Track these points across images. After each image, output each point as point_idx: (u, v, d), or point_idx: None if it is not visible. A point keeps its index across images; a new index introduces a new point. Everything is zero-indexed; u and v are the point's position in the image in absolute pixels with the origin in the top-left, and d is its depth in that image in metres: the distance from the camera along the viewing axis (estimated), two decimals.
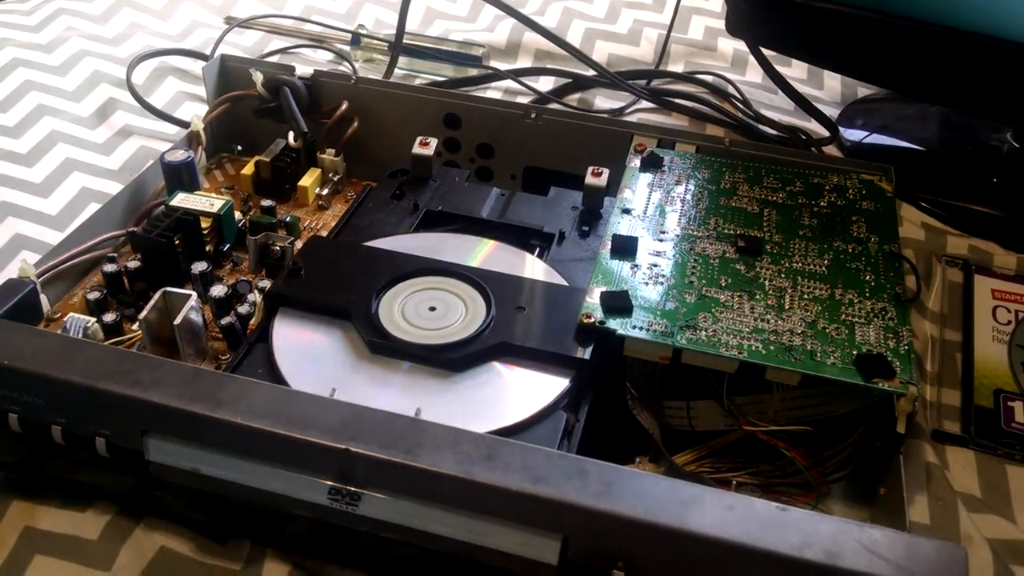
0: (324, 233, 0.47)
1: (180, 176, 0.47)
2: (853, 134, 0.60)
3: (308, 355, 0.36)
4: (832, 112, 0.62)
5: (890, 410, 0.34)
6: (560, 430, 0.33)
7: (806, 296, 0.38)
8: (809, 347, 0.35)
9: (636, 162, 0.46)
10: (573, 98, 0.63)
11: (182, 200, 0.45)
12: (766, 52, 0.61)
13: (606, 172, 0.45)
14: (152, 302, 0.38)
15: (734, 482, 0.35)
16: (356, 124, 0.51)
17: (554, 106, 0.60)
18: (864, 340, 0.36)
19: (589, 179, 0.45)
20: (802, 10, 0.54)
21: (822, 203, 0.44)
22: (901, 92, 0.61)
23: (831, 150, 0.59)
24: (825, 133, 0.60)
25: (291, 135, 0.50)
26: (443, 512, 0.29)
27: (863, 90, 0.66)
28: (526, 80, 0.64)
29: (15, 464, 0.35)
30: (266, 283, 0.42)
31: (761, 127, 0.60)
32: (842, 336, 0.36)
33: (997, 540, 0.35)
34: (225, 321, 0.39)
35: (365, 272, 0.39)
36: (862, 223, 0.43)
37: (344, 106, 0.51)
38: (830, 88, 0.66)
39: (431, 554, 0.30)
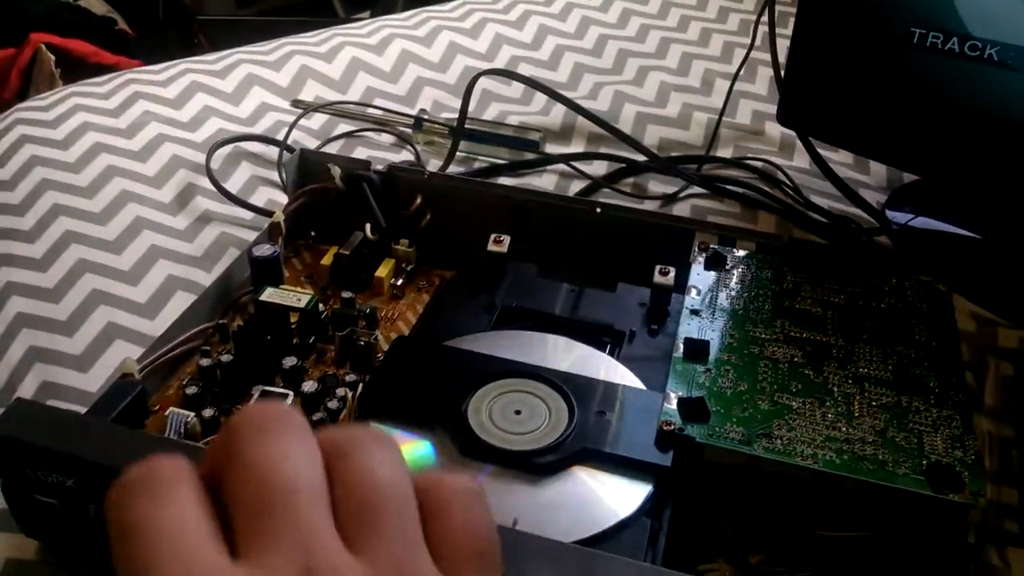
0: (400, 323, 0.49)
1: (267, 270, 0.49)
2: (901, 218, 0.62)
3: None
4: (879, 196, 0.64)
5: (960, 519, 0.36)
6: (646, 538, 0.35)
7: (874, 403, 0.40)
8: (881, 457, 0.37)
9: (701, 260, 0.49)
10: (627, 182, 0.66)
11: (270, 295, 0.47)
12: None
13: (672, 272, 0.47)
14: (252, 403, 0.40)
15: None
16: (429, 217, 0.53)
17: (610, 195, 0.63)
18: (932, 450, 0.37)
19: (657, 278, 0.47)
20: (857, 109, 0.56)
21: (882, 305, 0.46)
22: (950, 185, 0.63)
23: (881, 239, 0.61)
24: (874, 221, 0.62)
25: (368, 228, 0.53)
26: None
27: (910, 175, 0.68)
28: (579, 164, 0.66)
29: None
30: (352, 376, 0.44)
31: (810, 214, 0.62)
32: (911, 445, 0.38)
33: None
34: (316, 417, 0.42)
35: (452, 374, 0.41)
36: (922, 326, 0.44)
37: (419, 200, 0.53)
38: (876, 173, 0.68)
39: None
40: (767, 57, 0.64)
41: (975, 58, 0.51)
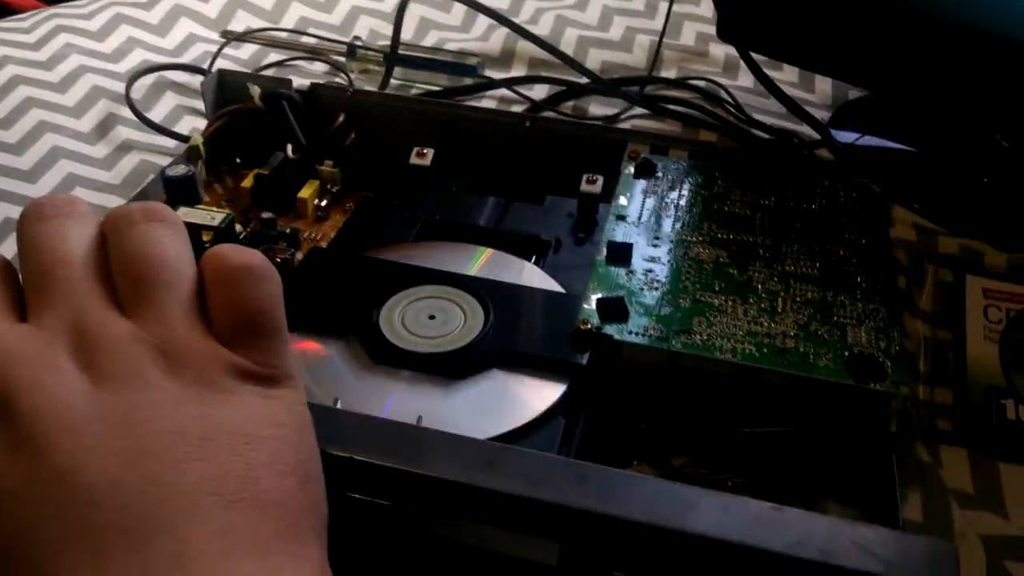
0: (323, 243, 0.47)
1: (181, 191, 0.47)
2: (845, 136, 0.61)
3: (311, 367, 0.36)
4: (823, 114, 0.63)
5: (882, 409, 0.35)
6: (559, 435, 0.34)
7: (798, 299, 0.39)
8: (802, 349, 0.36)
9: (630, 169, 0.47)
10: (568, 105, 0.64)
11: (184, 215, 0.45)
12: (758, 57, 0.62)
13: (600, 179, 0.46)
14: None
15: (730, 483, 0.36)
16: (353, 135, 0.52)
17: (549, 114, 0.61)
18: (856, 341, 0.36)
19: (584, 186, 0.46)
20: (796, 19, 0.55)
21: (813, 206, 0.45)
22: (891, 95, 0.62)
23: (823, 153, 0.59)
24: (817, 136, 0.60)
25: (289, 148, 0.51)
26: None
27: (855, 92, 0.67)
28: (520, 89, 0.65)
29: None
30: None
31: (753, 131, 0.61)
32: (834, 338, 0.37)
33: (990, 536, 0.35)
34: None
35: (366, 283, 0.39)
36: (853, 226, 0.43)
37: (341, 118, 0.51)
38: (821, 91, 0.67)
39: (432, 558, 0.31)
40: None
41: None
